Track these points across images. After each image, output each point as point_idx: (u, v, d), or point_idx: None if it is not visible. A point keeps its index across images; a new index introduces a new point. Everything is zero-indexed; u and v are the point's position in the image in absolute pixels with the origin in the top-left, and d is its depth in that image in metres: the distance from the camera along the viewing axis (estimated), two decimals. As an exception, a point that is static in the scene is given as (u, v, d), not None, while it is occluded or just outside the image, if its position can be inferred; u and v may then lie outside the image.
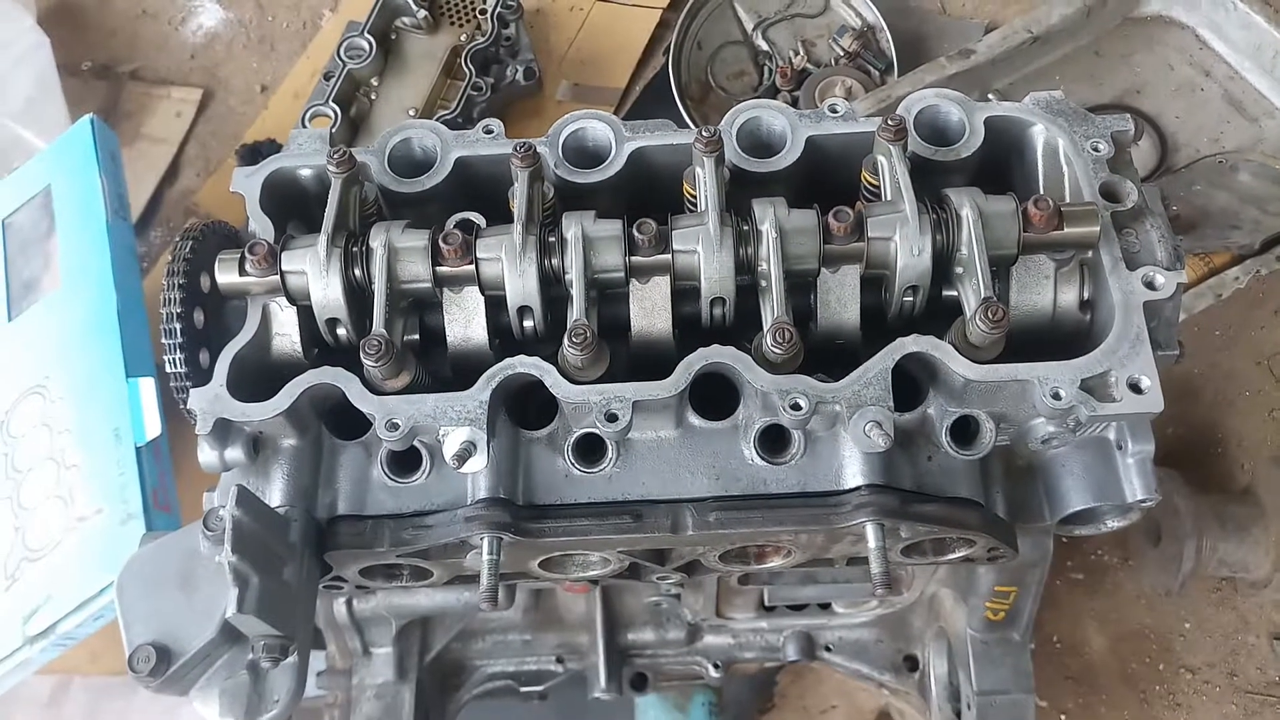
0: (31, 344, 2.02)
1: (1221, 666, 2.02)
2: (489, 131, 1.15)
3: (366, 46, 2.44)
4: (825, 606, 1.62)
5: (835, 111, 1.13)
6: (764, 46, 2.60)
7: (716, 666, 1.66)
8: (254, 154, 2.61)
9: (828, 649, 1.64)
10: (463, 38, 2.52)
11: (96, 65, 2.91)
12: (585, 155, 1.13)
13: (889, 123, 1.05)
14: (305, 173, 1.13)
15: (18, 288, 2.14)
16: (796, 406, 0.97)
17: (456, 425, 0.98)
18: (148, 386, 1.88)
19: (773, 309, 1.00)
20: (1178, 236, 2.15)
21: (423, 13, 2.50)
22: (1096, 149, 1.10)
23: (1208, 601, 2.07)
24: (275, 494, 1.03)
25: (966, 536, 1.06)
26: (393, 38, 2.53)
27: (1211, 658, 2.03)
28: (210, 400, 1.00)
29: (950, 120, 1.12)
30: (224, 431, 1.01)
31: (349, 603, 1.42)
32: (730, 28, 2.65)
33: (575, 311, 1.00)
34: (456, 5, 2.56)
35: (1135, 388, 0.98)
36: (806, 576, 1.47)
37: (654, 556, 1.12)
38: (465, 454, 0.97)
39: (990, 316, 0.96)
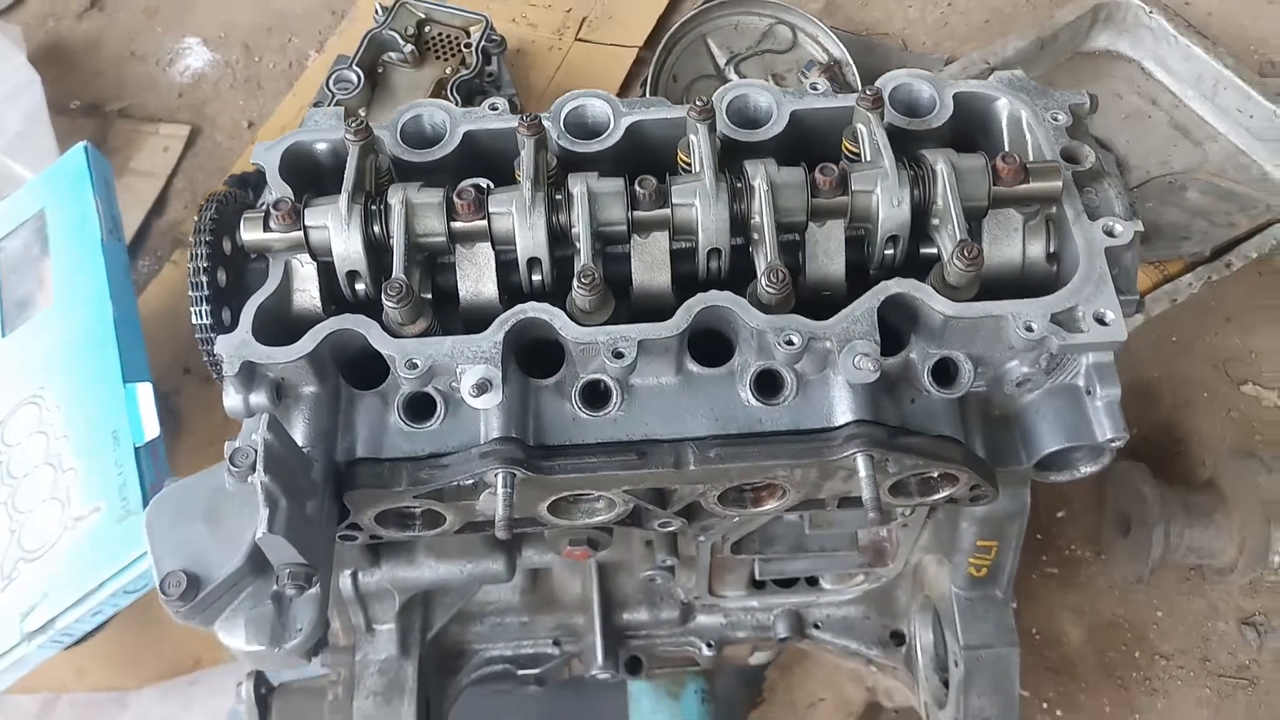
0: (26, 357, 2.06)
1: (1194, 652, 2.09)
2: (494, 108, 1.23)
3: (354, 79, 2.53)
4: (813, 584, 1.67)
5: (816, 89, 1.23)
6: (736, 80, 2.72)
7: (709, 646, 1.70)
8: (242, 184, 2.68)
9: (816, 626, 1.69)
10: (448, 70, 2.62)
11: (85, 104, 2.99)
12: (585, 129, 1.22)
13: (867, 92, 1.15)
14: (321, 147, 1.21)
15: (11, 306, 2.19)
16: (790, 343, 1.05)
17: (472, 364, 1.04)
18: (145, 391, 1.92)
19: (765, 256, 1.08)
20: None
21: (409, 47, 2.60)
22: (1056, 119, 1.20)
23: (1178, 591, 2.14)
24: (297, 437, 1.08)
25: (949, 471, 1.13)
26: (380, 71, 2.63)
27: (1184, 644, 2.09)
28: (237, 345, 1.06)
29: (922, 96, 1.22)
30: (249, 375, 1.06)
31: (354, 575, 1.45)
32: (704, 63, 2.78)
33: (583, 258, 1.07)
34: (441, 40, 2.67)
35: (1100, 320, 1.07)
36: (796, 547, 1.53)
37: (655, 499, 1.18)
38: (482, 388, 1.03)
39: (966, 255, 1.04)
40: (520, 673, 1.69)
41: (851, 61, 2.72)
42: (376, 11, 2.69)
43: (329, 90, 2.53)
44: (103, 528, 1.76)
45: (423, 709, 1.50)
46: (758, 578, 1.62)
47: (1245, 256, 2.24)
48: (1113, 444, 1.17)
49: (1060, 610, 2.14)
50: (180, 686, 2.16)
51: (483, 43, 2.60)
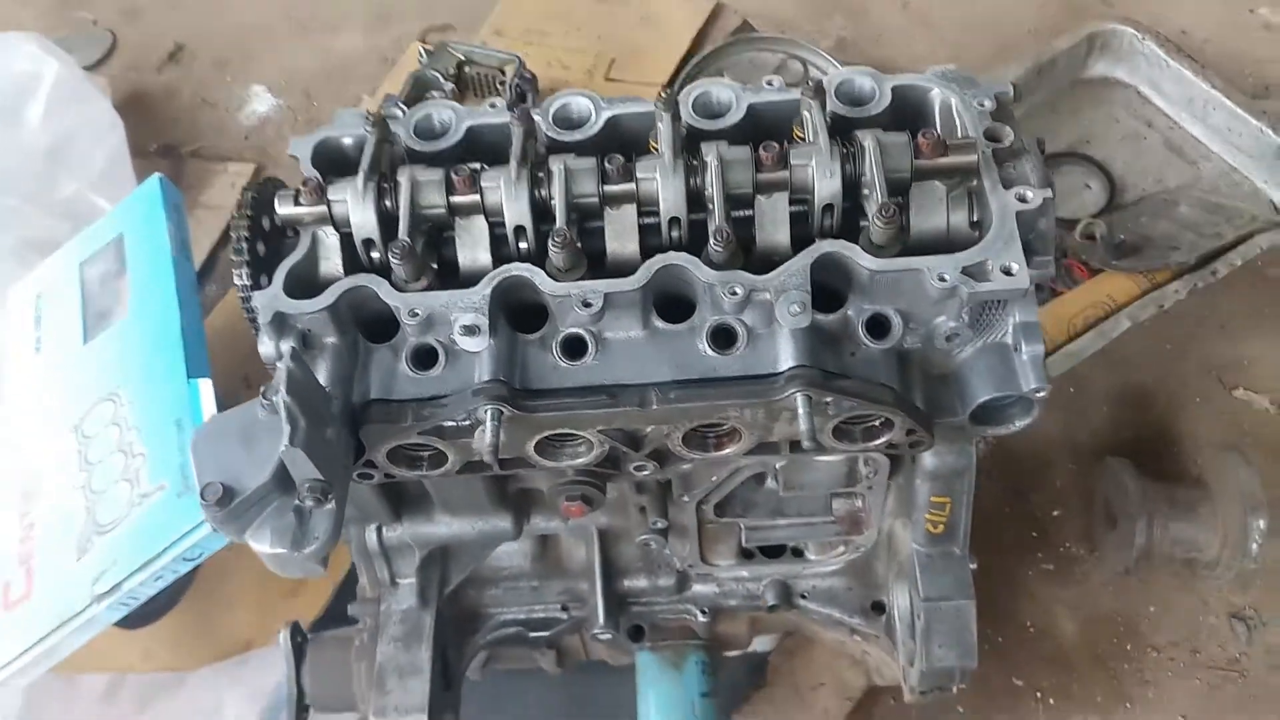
0: (104, 360, 2.31)
1: (1185, 645, 2.16)
2: (493, 106, 1.43)
3: (400, 114, 2.77)
4: (799, 555, 1.81)
5: (771, 85, 1.41)
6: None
7: (704, 612, 1.84)
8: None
9: (803, 596, 1.82)
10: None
11: (161, 145, 3.30)
12: (571, 123, 1.41)
13: (809, 84, 1.33)
14: (347, 141, 1.42)
15: (93, 317, 2.44)
16: (734, 293, 1.22)
17: (464, 313, 1.23)
18: (206, 386, 2.15)
19: (715, 220, 1.26)
20: (1125, 260, 2.41)
21: (450, 86, 2.85)
22: (982, 105, 1.36)
23: (1169, 586, 2.22)
24: (320, 380, 1.27)
25: (883, 413, 1.28)
26: (424, 108, 2.88)
27: (1175, 637, 2.17)
28: (271, 299, 1.26)
29: (864, 88, 1.40)
30: (280, 324, 1.26)
31: (379, 530, 1.63)
32: (723, 98, 2.98)
33: (558, 223, 1.26)
34: (479, 79, 2.92)
35: (1007, 271, 1.21)
36: (775, 511, 1.68)
37: (628, 442, 1.34)
38: (471, 331, 1.22)
39: (884, 215, 1.21)
40: (532, 635, 1.84)
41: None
42: (421, 55, 2.96)
43: (377, 127, 2.78)
44: (166, 503, 1.97)
45: (439, 656, 1.67)
46: (744, 545, 1.76)
47: (1230, 264, 2.35)
48: (1037, 394, 1.30)
49: (1055, 605, 2.24)
50: (232, 666, 2.35)
51: (516, 80, 2.84)
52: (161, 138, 3.31)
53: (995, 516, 2.30)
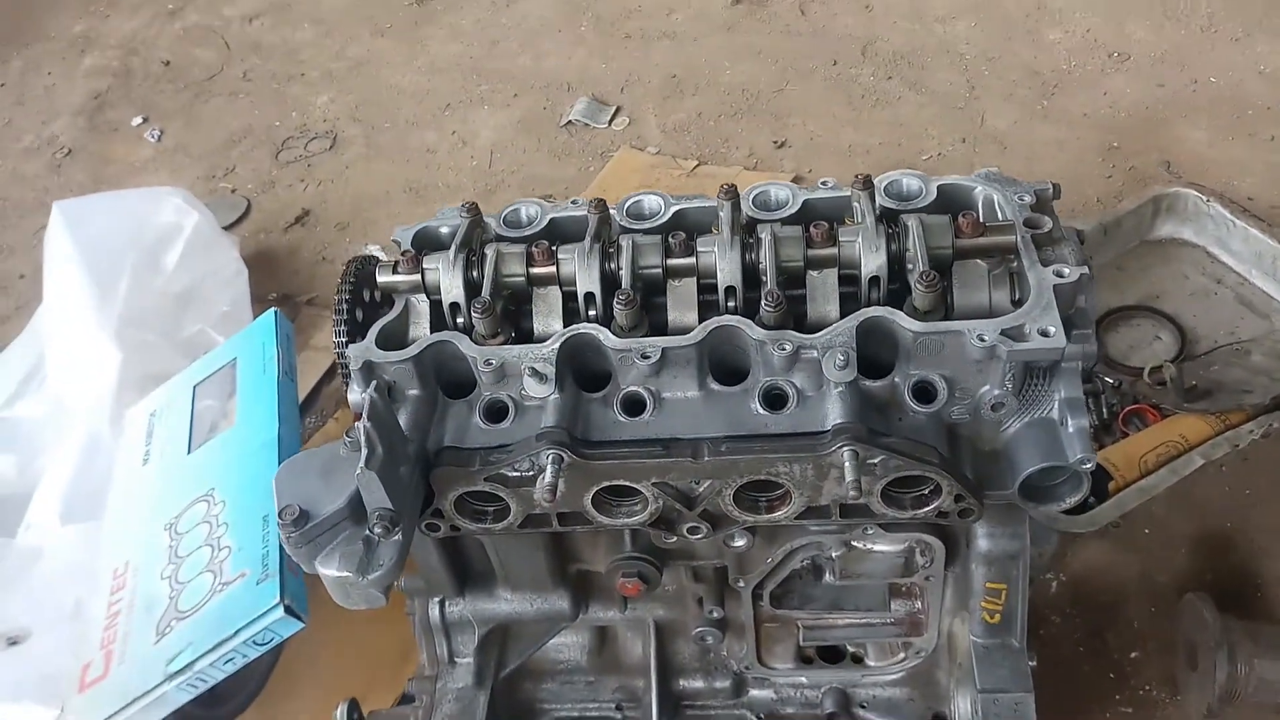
0: (204, 467, 2.46)
1: (1279, 797, 2.02)
2: (574, 203, 1.59)
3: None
4: (859, 662, 1.79)
5: (825, 184, 1.54)
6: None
7: (759, 719, 1.82)
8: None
9: (863, 706, 1.79)
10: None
11: (280, 294, 3.58)
12: (642, 216, 1.56)
13: (858, 178, 1.46)
14: (444, 230, 1.59)
15: (200, 431, 2.62)
16: (783, 348, 1.31)
17: (534, 363, 1.34)
18: (295, 487, 2.27)
19: (766, 285, 1.36)
20: (1197, 403, 2.42)
21: (543, 239, 3.08)
22: (1023, 199, 1.46)
23: (1260, 733, 2.09)
24: (401, 425, 1.38)
25: (929, 474, 1.32)
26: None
27: (1268, 790, 2.03)
28: (362, 350, 1.39)
29: (912, 187, 1.52)
30: (369, 373, 1.38)
31: (441, 604, 1.69)
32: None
33: (624, 285, 1.38)
34: (571, 234, 3.14)
35: (1044, 334, 1.28)
36: (832, 605, 1.68)
37: (682, 500, 1.40)
38: (539, 377, 1.32)
39: (925, 280, 1.29)
40: (585, 733, 1.84)
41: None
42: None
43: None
44: (244, 589, 2.05)
45: (490, 737, 1.68)
46: (801, 644, 1.75)
47: (1306, 406, 2.33)
48: (1084, 465, 1.33)
49: (1136, 750, 2.12)
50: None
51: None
52: (281, 288, 3.61)
53: (1071, 657, 2.22)
